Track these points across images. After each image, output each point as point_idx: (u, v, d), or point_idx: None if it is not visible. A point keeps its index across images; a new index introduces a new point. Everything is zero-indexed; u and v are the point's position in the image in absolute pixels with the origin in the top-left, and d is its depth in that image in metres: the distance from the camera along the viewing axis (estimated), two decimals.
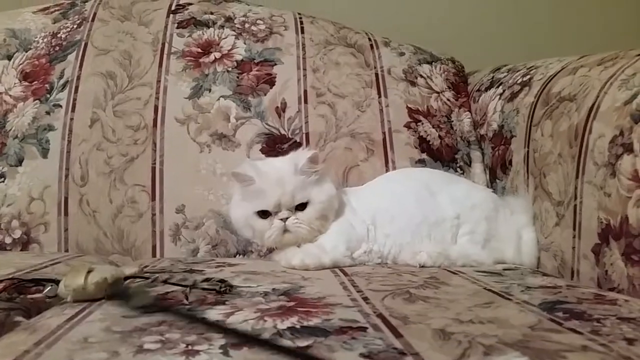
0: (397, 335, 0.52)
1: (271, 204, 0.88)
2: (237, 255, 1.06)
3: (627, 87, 0.78)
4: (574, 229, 0.84)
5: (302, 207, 0.89)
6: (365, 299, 0.66)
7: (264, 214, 0.89)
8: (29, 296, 0.70)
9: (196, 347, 0.48)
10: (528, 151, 0.99)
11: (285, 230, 0.89)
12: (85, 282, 0.63)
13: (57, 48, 1.20)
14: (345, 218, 0.93)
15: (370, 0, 1.56)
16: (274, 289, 0.70)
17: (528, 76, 1.07)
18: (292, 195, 0.88)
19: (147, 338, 0.51)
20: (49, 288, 0.68)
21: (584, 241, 0.82)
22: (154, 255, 1.05)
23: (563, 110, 0.90)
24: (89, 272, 0.64)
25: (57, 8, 1.28)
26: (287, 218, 0.88)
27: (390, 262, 0.92)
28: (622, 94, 0.79)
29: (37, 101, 1.15)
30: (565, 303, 0.64)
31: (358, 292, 0.70)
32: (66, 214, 1.07)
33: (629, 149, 0.74)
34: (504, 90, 1.12)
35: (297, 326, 0.54)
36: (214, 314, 0.59)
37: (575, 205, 0.83)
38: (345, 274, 0.82)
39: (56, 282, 0.68)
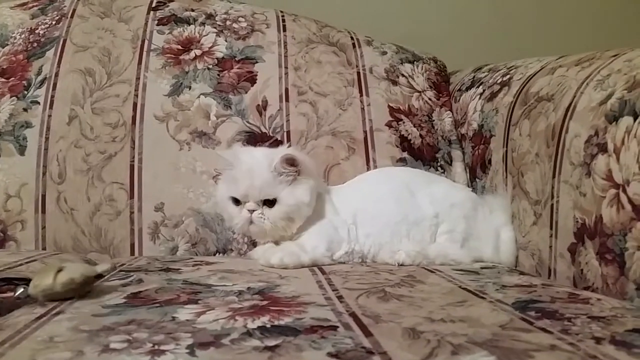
0: (367, 334, 0.52)
1: (240, 193, 0.89)
2: (217, 254, 1.06)
3: (602, 88, 0.79)
4: (551, 228, 0.84)
5: (271, 203, 0.89)
6: (340, 297, 0.66)
7: (236, 201, 0.90)
8: (0, 296, 0.69)
9: (162, 347, 0.47)
10: (506, 150, 0.99)
11: (252, 222, 0.89)
12: (53, 282, 0.62)
13: (35, 44, 1.18)
14: (326, 218, 0.93)
15: (355, 2, 1.56)
16: (248, 288, 0.70)
17: (508, 76, 1.08)
18: (260, 189, 0.88)
19: (114, 337, 0.50)
20: (21, 290, 0.67)
21: (560, 240, 0.82)
22: (132, 253, 1.04)
23: (541, 110, 0.91)
24: (58, 271, 0.63)
25: (35, 4, 1.26)
26: (254, 210, 0.88)
27: (370, 261, 0.92)
28: (597, 94, 0.79)
29: (14, 98, 1.13)
30: (539, 302, 0.64)
31: (333, 290, 0.69)
32: (43, 211, 1.06)
33: (603, 149, 0.74)
34: (484, 90, 1.13)
35: (268, 325, 0.54)
36: (184, 313, 0.58)
37: (552, 205, 0.84)
38: (323, 272, 0.82)
39: (28, 281, 0.67)
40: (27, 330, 0.53)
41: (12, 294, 0.68)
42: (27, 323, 0.55)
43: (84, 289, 0.64)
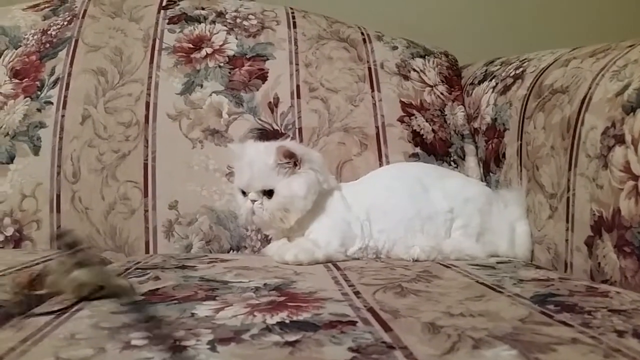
0: (387, 329, 0.51)
1: (243, 183, 0.91)
2: (231, 251, 1.06)
3: (619, 79, 0.78)
4: (567, 222, 0.83)
5: (270, 194, 0.89)
6: (357, 293, 0.65)
7: (243, 193, 0.92)
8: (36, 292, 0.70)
9: (183, 343, 0.48)
10: (521, 144, 0.98)
11: (254, 212, 0.90)
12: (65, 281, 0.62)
13: (48, 45, 1.19)
14: (339, 214, 0.93)
15: None
16: (265, 284, 0.70)
17: (521, 69, 1.07)
18: (258, 180, 0.89)
19: (134, 334, 0.50)
20: None
21: (577, 233, 0.81)
22: (147, 251, 1.05)
23: (555, 102, 0.90)
24: (76, 267, 0.63)
25: (47, 5, 1.27)
26: (255, 200, 0.90)
27: (384, 257, 0.92)
28: (613, 85, 0.78)
29: (27, 98, 1.14)
30: (557, 296, 0.64)
31: (350, 286, 0.69)
32: (58, 211, 1.07)
33: (620, 140, 0.73)
34: (497, 84, 1.12)
35: (287, 321, 0.54)
36: (203, 309, 0.58)
37: (568, 198, 0.83)
38: (338, 268, 0.82)
39: None
40: (47, 328, 0.53)
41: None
42: (47, 321, 0.56)
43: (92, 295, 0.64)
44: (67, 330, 0.52)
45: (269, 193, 0.89)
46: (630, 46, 0.83)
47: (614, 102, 0.76)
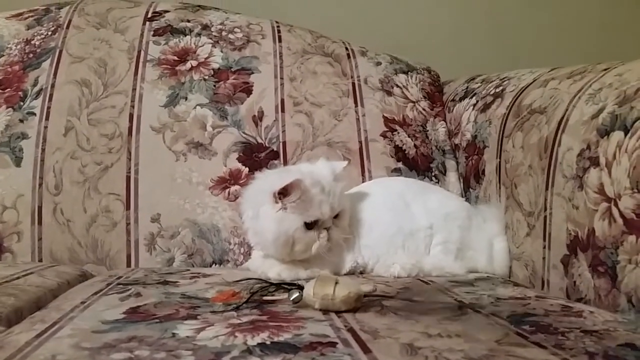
0: (366, 350, 0.52)
1: (322, 213, 0.85)
2: (214, 265, 1.06)
3: (594, 102, 0.80)
4: (544, 240, 0.85)
5: (336, 215, 0.89)
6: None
7: (309, 225, 0.85)
8: (272, 298, 0.72)
9: None
10: (500, 162, 1.00)
11: (328, 240, 0.87)
12: (333, 294, 0.65)
13: (31, 55, 1.19)
14: None
15: (347, 9, 1.57)
16: (247, 302, 0.70)
17: (501, 87, 1.09)
18: (336, 204, 0.87)
19: (115, 355, 0.51)
20: (296, 295, 0.69)
21: (553, 252, 0.83)
22: (128, 265, 1.05)
23: (534, 122, 0.92)
24: (336, 283, 0.66)
25: (31, 14, 1.26)
26: (329, 227, 0.87)
27: (367, 272, 0.93)
28: (589, 108, 0.81)
29: (10, 109, 1.13)
30: (533, 315, 0.65)
31: None
32: (40, 223, 1.06)
33: (595, 162, 0.75)
34: (477, 101, 1.14)
35: (268, 342, 0.54)
36: (184, 329, 0.59)
37: (545, 217, 0.85)
38: None
39: (300, 288, 0.70)
40: (28, 349, 0.53)
41: (286, 295, 0.71)
42: (28, 340, 0.56)
43: (355, 304, 0.67)
44: (48, 351, 0.53)
45: (336, 216, 0.88)
46: (605, 69, 0.86)
47: (590, 124, 0.79)
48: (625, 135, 0.72)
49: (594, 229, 0.74)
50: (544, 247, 0.85)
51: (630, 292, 0.68)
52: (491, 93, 1.10)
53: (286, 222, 0.84)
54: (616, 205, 0.71)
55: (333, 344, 0.54)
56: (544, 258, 0.85)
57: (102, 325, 0.60)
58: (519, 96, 1.00)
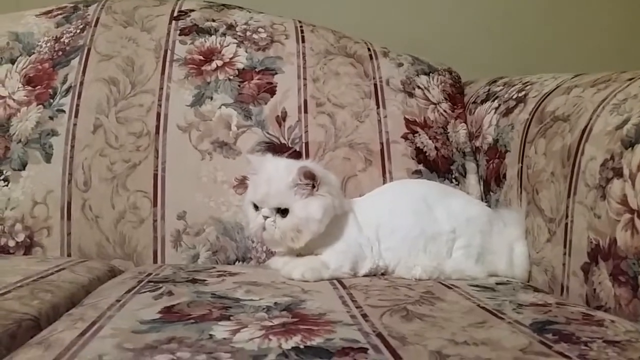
0: (397, 357, 0.55)
1: (257, 198, 0.92)
2: (237, 262, 1.09)
3: (619, 112, 0.81)
4: (565, 247, 0.87)
5: (284, 213, 0.91)
6: (364, 315, 0.68)
7: (255, 207, 0.93)
8: None
9: None
10: (522, 167, 1.01)
11: (264, 228, 0.91)
12: None
13: (60, 53, 1.21)
14: (352, 238, 0.94)
15: (370, 9, 1.58)
16: (275, 303, 0.73)
17: (523, 92, 1.10)
18: (274, 197, 0.90)
19: (159, 357, 0.53)
20: None
21: (574, 259, 0.85)
22: (155, 260, 1.08)
23: (557, 129, 0.93)
24: None
25: (59, 12, 1.29)
26: (267, 217, 0.91)
27: (389, 275, 0.95)
28: (613, 118, 0.82)
29: (40, 106, 1.16)
30: (555, 323, 0.67)
31: (357, 307, 0.72)
32: (69, 218, 1.09)
33: (618, 173, 0.76)
34: (499, 105, 1.15)
35: (301, 346, 0.57)
36: (220, 330, 0.61)
37: (566, 224, 0.86)
38: (344, 286, 0.85)
39: None
40: (74, 348, 0.56)
41: None
42: (72, 339, 0.59)
43: None
44: (94, 351, 0.55)
45: (282, 211, 0.91)
46: (630, 79, 0.86)
47: (614, 135, 0.80)
48: None
49: (616, 238, 0.75)
50: (565, 254, 0.87)
51: None
52: (514, 97, 1.11)
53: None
54: (639, 217, 0.72)
55: (364, 350, 0.56)
56: (564, 264, 0.87)
57: (140, 325, 0.63)
58: (542, 102, 1.01)
